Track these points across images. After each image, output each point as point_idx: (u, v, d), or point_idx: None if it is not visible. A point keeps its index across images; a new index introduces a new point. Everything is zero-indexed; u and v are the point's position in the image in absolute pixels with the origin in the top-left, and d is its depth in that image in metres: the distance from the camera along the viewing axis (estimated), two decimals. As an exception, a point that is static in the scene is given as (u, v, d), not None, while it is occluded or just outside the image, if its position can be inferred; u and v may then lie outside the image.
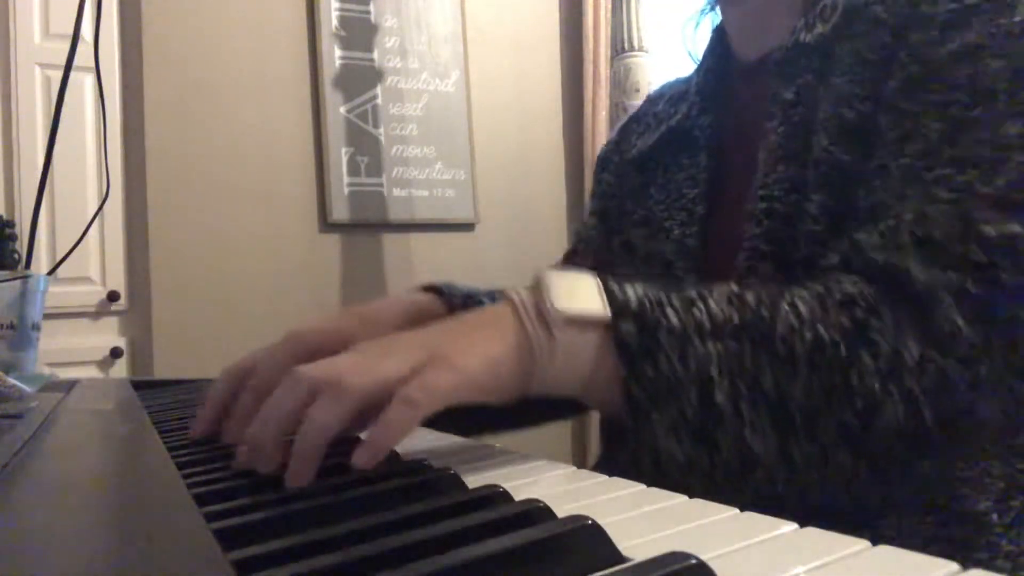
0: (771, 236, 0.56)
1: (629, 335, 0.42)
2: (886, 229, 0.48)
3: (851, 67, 0.55)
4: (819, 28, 0.59)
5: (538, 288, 0.43)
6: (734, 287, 0.46)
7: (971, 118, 0.48)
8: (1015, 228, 0.44)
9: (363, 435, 0.40)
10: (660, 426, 0.42)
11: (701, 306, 0.44)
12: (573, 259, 0.84)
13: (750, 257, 0.57)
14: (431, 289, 0.66)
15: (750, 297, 0.45)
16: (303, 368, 0.40)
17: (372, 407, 0.39)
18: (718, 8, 0.74)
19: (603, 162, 0.83)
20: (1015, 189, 0.45)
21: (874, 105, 0.53)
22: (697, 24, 0.78)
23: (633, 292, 0.44)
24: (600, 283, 0.44)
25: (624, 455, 0.44)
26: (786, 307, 0.44)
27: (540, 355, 0.42)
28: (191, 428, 0.50)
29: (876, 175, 0.51)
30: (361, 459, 0.36)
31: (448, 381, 0.39)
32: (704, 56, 0.75)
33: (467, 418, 0.50)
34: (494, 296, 0.69)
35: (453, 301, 0.65)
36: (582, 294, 0.43)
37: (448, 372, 0.39)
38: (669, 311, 0.43)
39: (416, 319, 0.62)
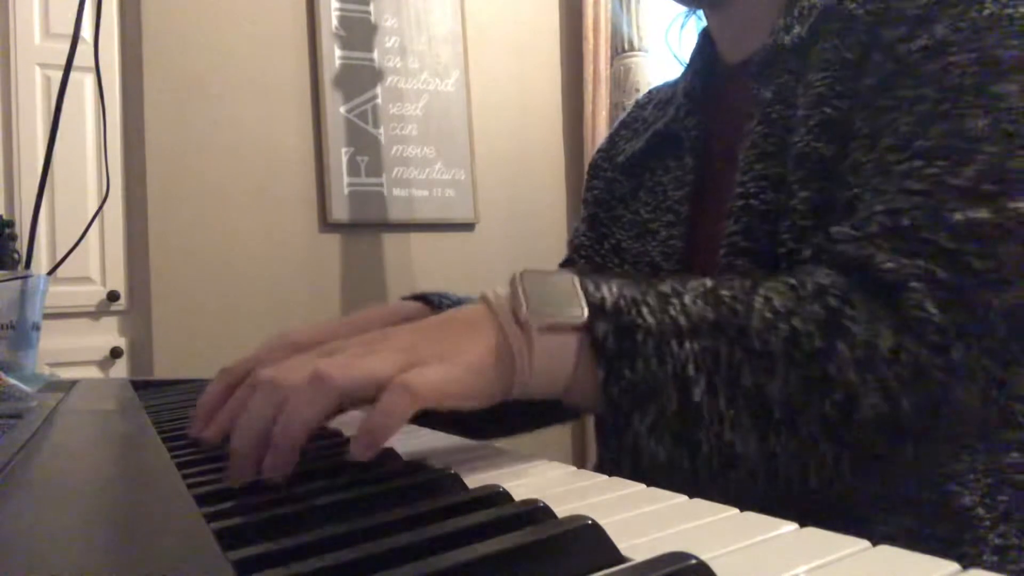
0: (749, 232, 0.57)
1: (605, 337, 0.41)
2: (858, 221, 0.48)
3: (829, 65, 0.56)
4: (797, 29, 0.60)
5: (514, 291, 0.42)
6: (708, 282, 0.45)
7: (940, 112, 0.48)
8: (983, 214, 0.45)
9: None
10: (641, 427, 0.41)
11: (676, 303, 0.43)
12: (567, 267, 0.84)
13: (728, 253, 0.58)
14: (420, 298, 0.67)
15: (724, 292, 0.44)
16: (280, 372, 0.39)
17: (355, 403, 0.38)
18: (701, 11, 0.75)
19: (593, 169, 0.84)
20: (984, 180, 0.46)
21: (851, 102, 0.54)
22: (683, 26, 0.79)
23: (608, 292, 0.43)
24: (577, 282, 0.43)
25: (608, 454, 0.44)
26: (760, 301, 0.44)
27: (520, 359, 0.41)
28: (188, 428, 0.50)
29: (850, 172, 0.52)
30: (358, 450, 0.36)
31: (440, 375, 0.38)
32: (691, 59, 0.76)
33: (452, 426, 0.50)
34: None
35: (441, 308, 0.64)
36: (558, 296, 0.42)
37: (439, 367, 0.39)
38: (644, 310, 0.42)
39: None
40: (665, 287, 0.44)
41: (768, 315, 0.43)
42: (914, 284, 0.44)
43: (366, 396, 0.38)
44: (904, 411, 0.43)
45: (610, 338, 0.41)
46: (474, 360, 0.40)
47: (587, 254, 0.78)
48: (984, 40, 0.49)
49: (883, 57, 0.53)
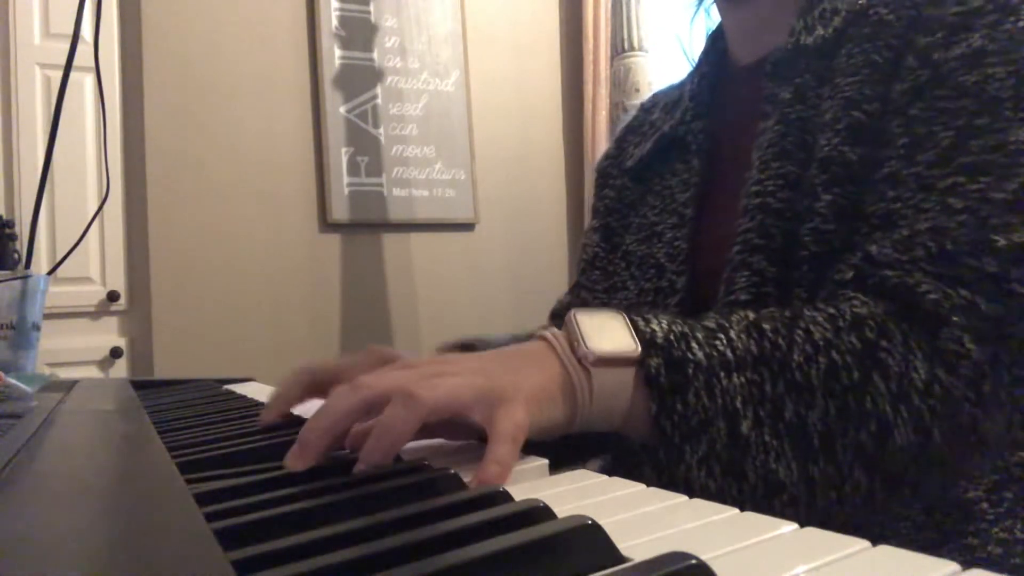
0: (764, 230, 0.57)
1: (658, 371, 0.43)
2: (901, 240, 0.48)
3: (859, 69, 0.56)
4: (819, 31, 0.59)
5: (570, 329, 0.44)
6: (750, 314, 0.47)
7: (979, 125, 0.49)
8: None
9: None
10: (692, 459, 0.43)
11: (722, 337, 0.45)
12: (578, 291, 0.83)
13: (742, 250, 0.58)
14: (461, 346, 0.69)
15: (766, 326, 0.46)
16: (365, 377, 0.41)
17: (434, 424, 0.40)
18: (713, 9, 0.75)
19: (603, 177, 0.83)
20: None
21: (882, 106, 0.54)
22: (694, 17, 0.79)
23: (658, 326, 0.45)
24: (627, 320, 0.45)
25: (629, 466, 0.45)
26: (800, 334, 0.45)
27: (581, 392, 0.43)
28: (262, 415, 0.52)
29: (887, 183, 0.51)
30: (490, 476, 0.36)
31: (524, 419, 0.40)
32: (699, 61, 0.75)
33: None
34: (518, 338, 0.71)
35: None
36: (611, 332, 0.44)
37: (517, 410, 0.40)
38: (694, 344, 0.44)
39: None
40: (710, 322, 0.46)
41: (808, 348, 0.45)
42: (956, 318, 0.45)
43: (445, 418, 0.40)
44: (934, 441, 0.44)
45: (662, 372, 0.43)
46: (544, 393, 0.42)
47: (601, 264, 0.78)
48: (1020, 52, 0.49)
49: (917, 63, 0.53)
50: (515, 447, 0.38)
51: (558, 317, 0.83)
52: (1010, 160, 0.47)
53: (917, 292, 0.46)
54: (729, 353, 0.44)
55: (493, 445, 0.38)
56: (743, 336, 0.45)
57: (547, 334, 0.45)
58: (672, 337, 0.44)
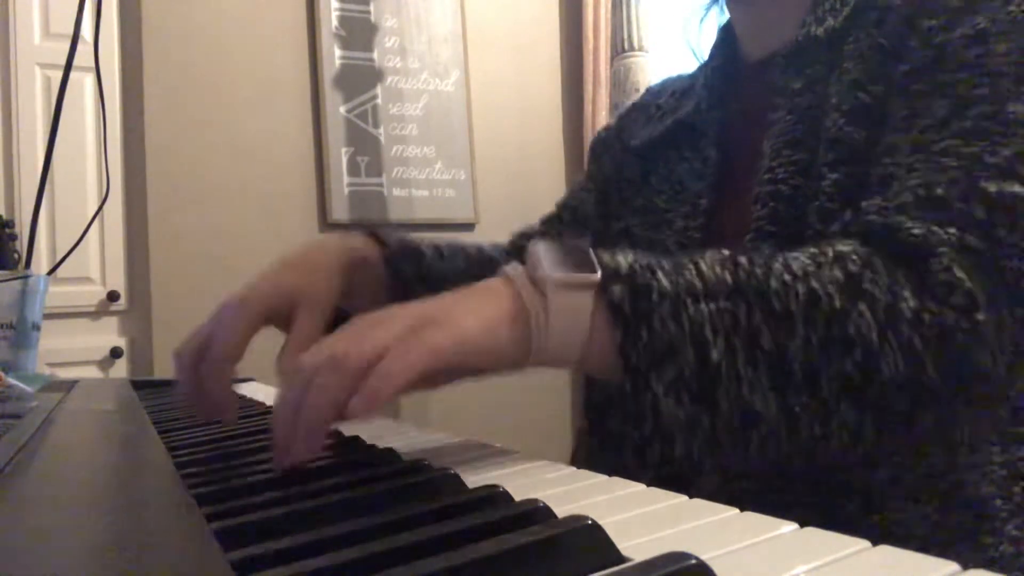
0: (776, 217, 0.57)
1: (621, 299, 0.42)
2: (891, 195, 0.48)
3: (864, 52, 0.56)
4: (829, 21, 0.60)
5: (529, 257, 0.44)
6: (725, 252, 0.46)
7: (977, 95, 0.49)
8: (1016, 188, 0.45)
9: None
10: (659, 387, 0.42)
11: (692, 268, 0.44)
12: (556, 225, 0.83)
13: (755, 238, 0.58)
14: (366, 233, 0.69)
15: (743, 259, 0.45)
16: (304, 356, 0.41)
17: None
18: (723, 6, 0.75)
19: (603, 145, 0.83)
20: (1020, 162, 0.46)
21: (885, 88, 0.54)
22: (702, 20, 0.79)
23: (623, 257, 0.44)
24: (590, 249, 0.45)
25: (611, 448, 0.44)
26: (779, 265, 0.44)
27: (537, 320, 0.42)
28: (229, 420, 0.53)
29: (886, 152, 0.52)
30: (355, 410, 0.37)
31: (444, 339, 0.39)
32: (711, 54, 0.75)
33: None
34: (438, 246, 0.73)
35: (389, 244, 0.68)
36: (572, 260, 0.44)
37: (444, 331, 0.40)
38: (659, 274, 0.43)
39: (352, 264, 0.64)
40: (681, 257, 0.45)
41: (786, 277, 0.43)
42: (942, 250, 0.44)
43: (376, 357, 0.39)
44: (927, 373, 0.43)
45: (626, 300, 0.42)
46: (487, 319, 0.41)
47: (596, 231, 0.78)
48: (1022, 34, 0.49)
49: (920, 44, 0.53)
50: (405, 361, 0.38)
51: (525, 237, 0.85)
52: (1007, 128, 0.47)
53: (902, 230, 0.45)
54: (697, 282, 0.43)
55: (383, 360, 0.38)
56: (716, 268, 0.44)
57: (506, 269, 0.45)
58: (637, 267, 0.43)
